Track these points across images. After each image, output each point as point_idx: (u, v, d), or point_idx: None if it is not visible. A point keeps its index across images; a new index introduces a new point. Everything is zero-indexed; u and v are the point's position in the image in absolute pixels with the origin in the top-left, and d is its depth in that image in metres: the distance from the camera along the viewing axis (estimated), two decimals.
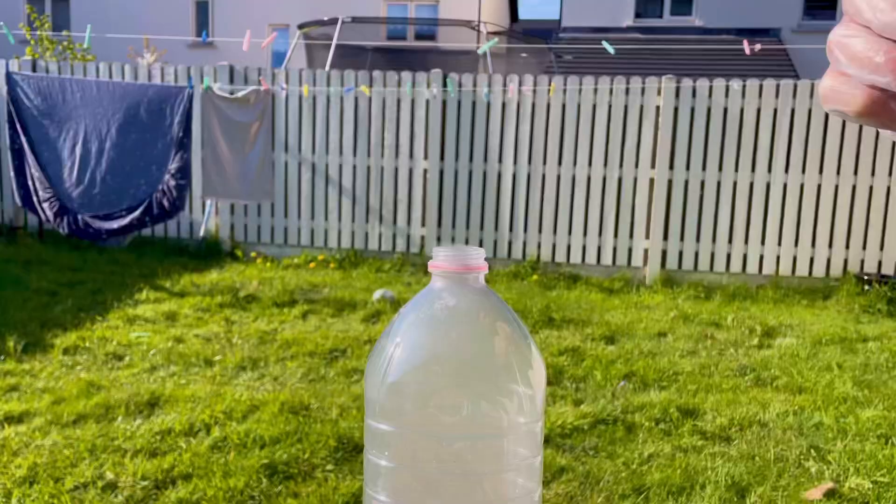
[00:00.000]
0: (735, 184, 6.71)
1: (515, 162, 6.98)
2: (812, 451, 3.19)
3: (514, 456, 0.47)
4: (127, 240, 6.46)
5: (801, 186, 6.65)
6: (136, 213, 6.29)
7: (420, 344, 0.47)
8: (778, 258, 6.74)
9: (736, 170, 6.70)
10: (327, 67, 9.42)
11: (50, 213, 6.34)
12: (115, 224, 6.31)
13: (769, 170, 6.66)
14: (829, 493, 2.82)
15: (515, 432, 0.47)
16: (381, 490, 0.47)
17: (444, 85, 6.90)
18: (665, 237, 6.86)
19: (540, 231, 7.01)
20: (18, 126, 6.33)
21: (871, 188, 6.57)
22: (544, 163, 6.95)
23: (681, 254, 6.86)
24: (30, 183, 6.38)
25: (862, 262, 6.64)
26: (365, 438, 0.49)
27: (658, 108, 6.75)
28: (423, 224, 7.14)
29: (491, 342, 0.48)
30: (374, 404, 0.47)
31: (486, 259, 0.51)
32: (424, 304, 0.48)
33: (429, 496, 0.46)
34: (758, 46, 6.20)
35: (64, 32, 9.62)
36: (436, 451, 0.46)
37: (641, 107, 6.77)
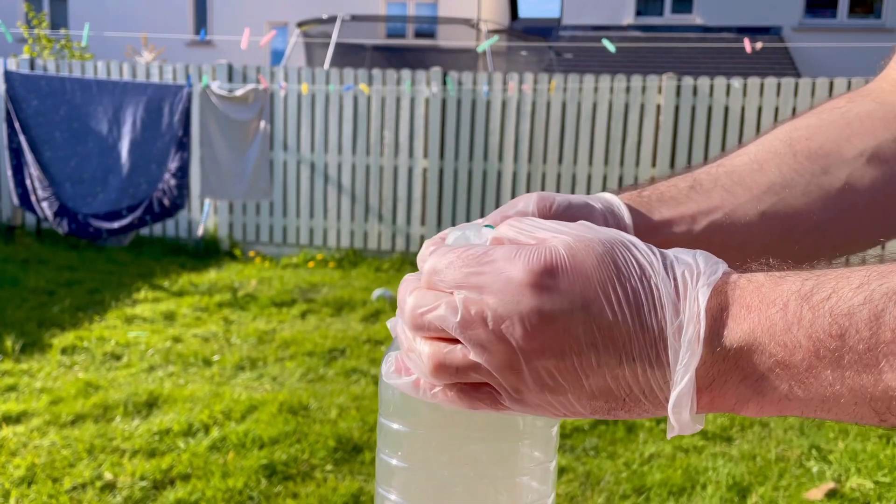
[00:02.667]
0: None
1: (515, 160, 6.96)
2: (813, 450, 3.18)
3: (529, 459, 0.47)
4: (128, 239, 6.45)
5: None
6: (137, 212, 6.28)
7: None
8: None
9: None
10: (326, 66, 9.40)
11: (49, 213, 6.32)
12: (115, 223, 6.29)
13: None
14: (831, 494, 2.81)
15: (532, 436, 0.46)
16: (392, 489, 0.47)
17: (444, 83, 6.88)
18: None
19: None
20: (17, 125, 6.31)
21: None
22: (544, 161, 6.93)
23: None
24: (28, 182, 6.36)
25: (864, 260, 6.62)
26: (378, 437, 0.48)
27: (659, 106, 6.73)
28: (423, 223, 7.13)
29: None
30: (388, 404, 0.47)
31: None
32: None
33: (441, 497, 0.46)
34: (759, 44, 6.19)
35: (62, 31, 9.60)
36: (450, 454, 0.46)
37: (642, 105, 6.75)
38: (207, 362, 4.08)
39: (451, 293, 0.40)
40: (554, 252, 0.39)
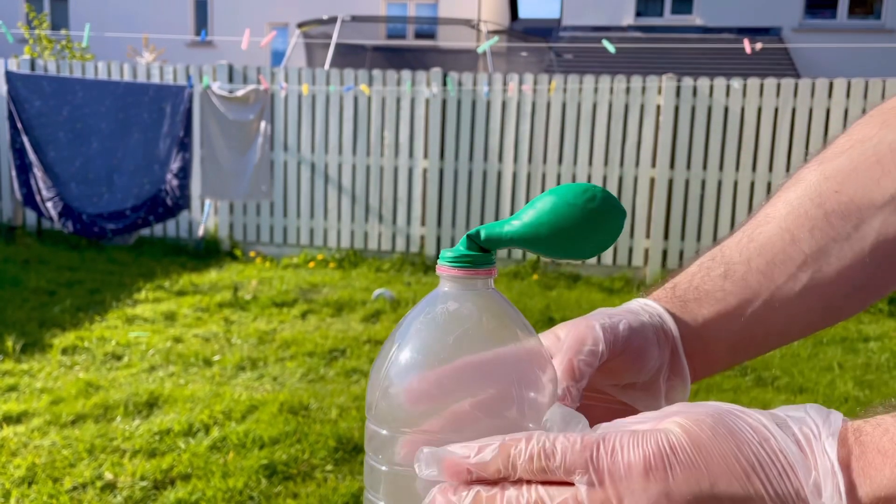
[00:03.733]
0: (736, 183, 6.70)
1: (515, 161, 6.96)
2: None
3: None
4: (133, 238, 6.47)
5: None
6: (141, 212, 6.30)
7: (421, 349, 0.47)
8: None
9: (737, 169, 6.69)
10: (327, 66, 9.40)
11: (54, 213, 6.33)
12: (120, 223, 6.32)
13: (770, 169, 6.65)
14: None
15: None
16: (381, 495, 0.47)
17: (444, 84, 6.88)
18: (666, 237, 6.85)
19: None
20: (19, 125, 6.32)
21: None
22: (544, 162, 6.93)
23: (681, 253, 6.85)
24: (32, 182, 6.37)
25: None
26: (365, 442, 0.48)
27: (658, 107, 6.73)
28: (423, 223, 7.13)
29: (499, 348, 0.47)
30: (371, 407, 0.47)
31: None
32: (430, 308, 0.47)
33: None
34: (759, 45, 6.20)
35: (62, 31, 9.59)
36: None
37: (642, 106, 6.75)
38: (208, 362, 4.08)
39: (570, 482, 0.39)
40: (670, 434, 0.38)
